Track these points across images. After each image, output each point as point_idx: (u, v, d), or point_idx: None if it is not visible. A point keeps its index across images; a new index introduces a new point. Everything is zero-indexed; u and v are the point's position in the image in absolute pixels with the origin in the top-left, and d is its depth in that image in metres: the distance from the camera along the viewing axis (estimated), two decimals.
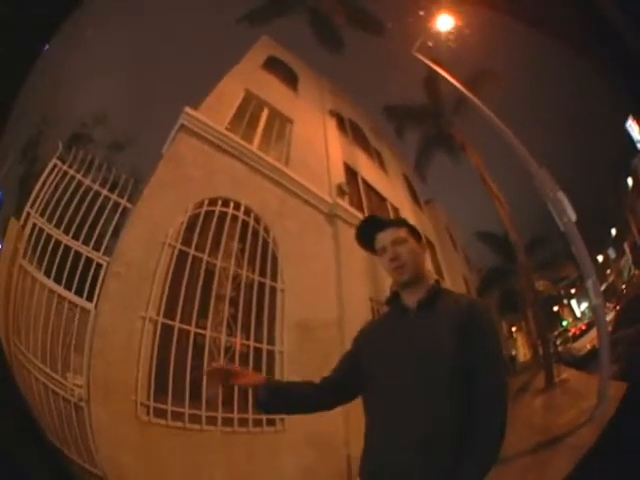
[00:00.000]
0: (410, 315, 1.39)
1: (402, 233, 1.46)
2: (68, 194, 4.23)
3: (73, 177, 4.30)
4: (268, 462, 3.80)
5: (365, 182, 7.88)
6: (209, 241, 4.53)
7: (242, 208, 4.99)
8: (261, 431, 3.89)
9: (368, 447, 1.39)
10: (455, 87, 6.23)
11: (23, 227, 3.89)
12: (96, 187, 4.37)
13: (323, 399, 1.56)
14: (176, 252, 4.23)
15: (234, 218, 4.88)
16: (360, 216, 6.52)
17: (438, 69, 6.43)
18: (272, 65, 7.90)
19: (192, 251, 4.37)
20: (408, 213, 9.23)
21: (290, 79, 8.27)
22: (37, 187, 4.14)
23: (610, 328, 5.20)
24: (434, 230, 11.32)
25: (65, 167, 4.28)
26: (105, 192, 4.37)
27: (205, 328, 4.09)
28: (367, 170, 8.41)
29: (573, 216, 4.37)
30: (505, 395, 1.26)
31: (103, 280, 3.87)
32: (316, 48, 7.24)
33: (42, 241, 3.99)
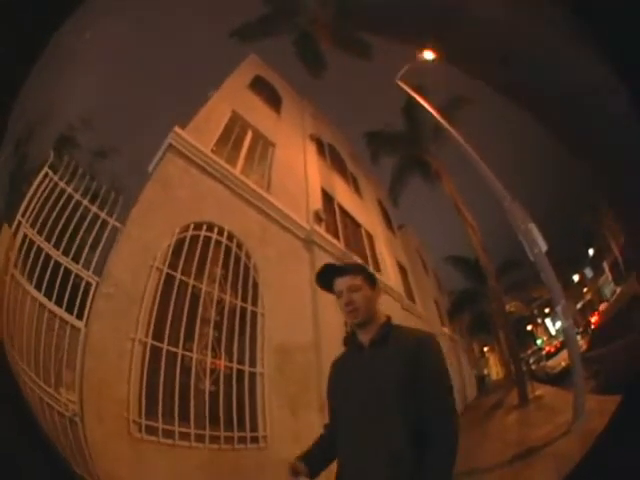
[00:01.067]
0: (364, 352, 1.63)
1: (357, 281, 1.71)
2: (58, 208, 4.60)
3: (63, 190, 4.66)
4: (252, 478, 4.40)
5: (341, 208, 8.71)
6: (194, 266, 5.05)
7: (225, 233, 5.58)
8: (245, 448, 4.49)
9: (338, 474, 1.56)
10: (433, 116, 7.23)
11: (15, 235, 4.20)
12: (85, 202, 4.73)
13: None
14: (163, 276, 4.71)
15: (218, 243, 5.47)
16: (336, 243, 7.41)
17: (419, 98, 7.42)
18: (258, 85, 8.58)
19: (179, 275, 4.86)
20: (381, 238, 10.22)
21: (274, 101, 8.99)
22: (28, 195, 4.47)
23: (585, 346, 6.16)
24: (406, 254, 12.42)
25: (56, 178, 4.66)
26: (94, 209, 4.72)
27: (192, 350, 4.61)
28: (343, 196, 9.23)
29: (544, 247, 5.05)
30: (454, 418, 1.43)
31: (93, 300, 4.30)
32: (300, 70, 8.04)
33: (32, 253, 4.27)
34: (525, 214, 5.31)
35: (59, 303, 4.23)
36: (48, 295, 4.23)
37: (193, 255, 5.15)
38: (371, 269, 1.97)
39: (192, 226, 5.30)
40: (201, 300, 5.04)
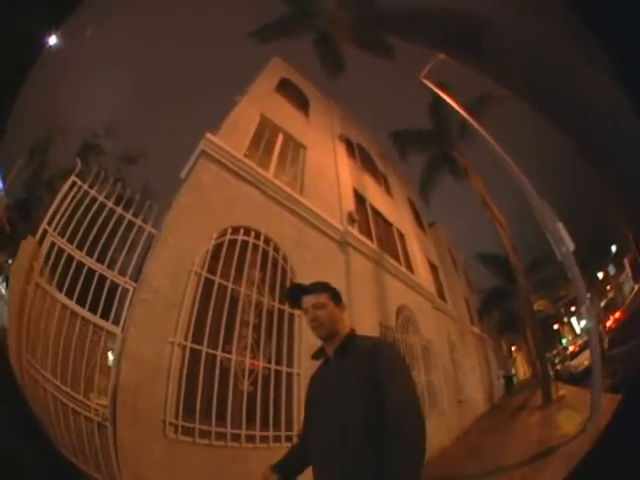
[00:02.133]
0: (330, 364, 1.67)
1: (322, 299, 1.70)
2: (90, 215, 4.41)
3: (95, 198, 4.47)
4: None
5: (373, 208, 8.43)
6: (233, 270, 4.91)
7: (262, 237, 5.43)
8: (280, 446, 4.42)
9: (315, 468, 1.62)
10: (459, 113, 6.89)
11: (40, 244, 4.02)
12: (119, 210, 4.50)
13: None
14: (202, 280, 4.57)
15: (255, 247, 5.31)
16: (369, 244, 7.08)
17: (444, 95, 7.08)
18: (285, 88, 8.43)
19: (217, 279, 4.72)
20: (412, 237, 9.82)
21: (302, 103, 8.83)
22: (55, 204, 4.28)
23: (606, 345, 5.80)
24: (437, 252, 11.96)
25: (85, 186, 4.44)
26: (129, 216, 4.52)
27: (231, 352, 4.46)
28: (374, 196, 8.96)
29: (571, 246, 4.85)
30: (416, 414, 1.41)
31: (130, 306, 4.11)
32: (323, 71, 7.83)
33: (63, 262, 4.10)
34: (553, 213, 5.13)
35: (93, 310, 4.04)
36: (81, 302, 4.04)
37: (231, 259, 4.99)
38: (335, 288, 1.81)
39: (229, 231, 5.17)
40: (240, 303, 4.89)
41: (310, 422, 1.71)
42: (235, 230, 5.21)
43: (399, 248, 9.01)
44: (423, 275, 9.72)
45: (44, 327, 3.68)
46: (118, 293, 4.22)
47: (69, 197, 4.35)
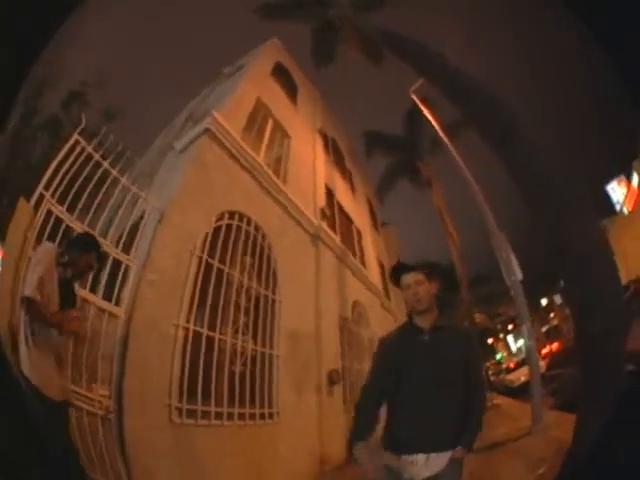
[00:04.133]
0: (425, 335, 1.82)
1: (421, 277, 1.86)
2: (93, 182, 3.82)
3: (99, 163, 3.80)
4: (268, 448, 4.50)
5: (339, 204, 8.72)
6: (229, 254, 4.92)
7: (253, 224, 5.48)
8: (264, 423, 4.65)
9: (396, 426, 1.81)
10: (434, 129, 7.23)
11: (35, 210, 3.24)
12: (124, 181, 4.00)
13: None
14: (203, 263, 4.51)
15: (247, 233, 5.36)
16: (336, 239, 7.40)
17: (426, 111, 7.42)
18: (279, 72, 8.16)
19: (216, 263, 4.69)
20: (368, 235, 10.28)
21: (291, 89, 8.71)
22: (54, 165, 3.49)
23: (544, 367, 6.47)
24: (386, 252, 12.47)
25: (90, 149, 3.72)
26: (135, 189, 4.13)
27: (226, 334, 4.54)
28: (341, 192, 9.28)
29: (519, 276, 5.36)
30: (485, 387, 2.08)
31: (137, 287, 3.77)
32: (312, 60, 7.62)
33: (60, 234, 3.37)
34: (507, 245, 5.63)
35: (94, 290, 3.53)
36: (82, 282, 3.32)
37: (227, 244, 4.96)
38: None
39: (226, 215, 5.14)
40: (234, 287, 4.91)
41: (399, 379, 1.82)
42: (231, 215, 5.19)
43: (356, 245, 9.40)
44: (374, 273, 10.16)
45: None
46: (121, 272, 3.78)
47: (71, 158, 3.61)
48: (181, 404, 3.78)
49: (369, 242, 10.48)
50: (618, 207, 15.19)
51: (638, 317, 4.55)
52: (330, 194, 8.49)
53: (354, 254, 8.60)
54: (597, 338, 2.83)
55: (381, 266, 11.22)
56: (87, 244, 2.28)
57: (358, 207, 10.93)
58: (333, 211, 8.29)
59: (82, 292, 3.39)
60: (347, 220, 9.32)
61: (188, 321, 4.12)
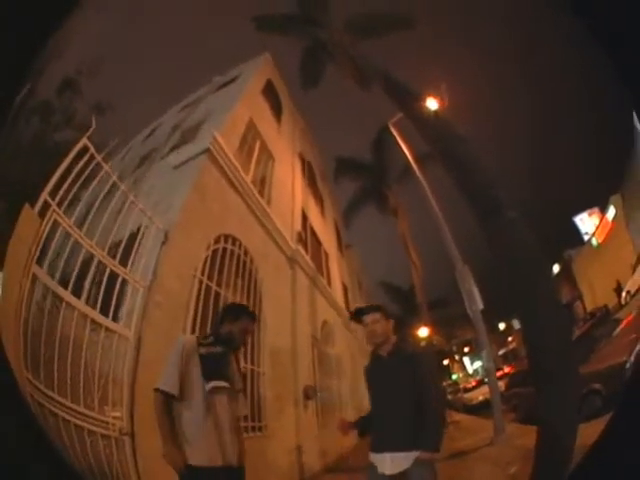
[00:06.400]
0: (384, 361, 2.14)
1: (377, 316, 2.15)
2: (103, 194, 3.57)
3: (108, 174, 3.54)
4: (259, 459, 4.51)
5: (311, 228, 8.91)
6: (224, 277, 4.97)
7: (243, 248, 5.57)
8: (255, 435, 4.75)
9: (372, 431, 2.12)
10: (405, 160, 7.33)
11: (42, 222, 2.93)
12: (132, 198, 3.82)
13: None
14: (203, 286, 4.52)
15: (238, 257, 5.47)
16: (310, 263, 7.59)
17: (403, 146, 7.67)
18: (268, 91, 8.24)
19: (214, 286, 4.69)
20: (333, 257, 10.43)
21: (277, 110, 8.76)
22: (61, 168, 3.18)
23: (503, 387, 6.80)
24: (348, 274, 12.54)
25: (99, 158, 3.47)
26: (140, 206, 3.93)
27: None
28: (314, 216, 9.58)
29: (480, 305, 5.73)
30: (442, 400, 2.42)
31: (145, 308, 3.64)
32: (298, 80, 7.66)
33: (68, 249, 3.15)
34: (471, 277, 6.00)
35: (104, 311, 3.34)
36: (92, 303, 3.29)
37: (223, 267, 5.02)
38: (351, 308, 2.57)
39: (222, 238, 5.19)
40: None
41: (371, 398, 2.20)
42: (226, 238, 5.24)
43: (324, 267, 9.61)
44: (339, 294, 10.38)
45: (47, 335, 2.89)
46: (129, 293, 3.65)
47: (80, 164, 3.36)
48: None
49: (335, 264, 10.76)
50: (586, 237, 16.39)
51: (605, 340, 5.40)
52: (305, 217, 8.67)
53: (322, 276, 8.83)
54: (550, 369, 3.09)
55: (344, 287, 11.63)
56: (239, 312, 2.18)
57: (327, 230, 11.18)
58: (306, 235, 8.46)
59: (89, 311, 3.24)
60: (317, 243, 9.57)
61: None
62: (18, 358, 2.53)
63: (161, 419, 1.87)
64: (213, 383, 1.91)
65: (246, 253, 5.58)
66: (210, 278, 4.63)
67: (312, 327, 7.10)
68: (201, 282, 4.45)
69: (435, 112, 5.39)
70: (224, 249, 5.06)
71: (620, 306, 9.81)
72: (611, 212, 14.47)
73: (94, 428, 2.96)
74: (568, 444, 2.47)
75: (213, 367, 1.95)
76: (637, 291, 9.18)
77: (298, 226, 7.76)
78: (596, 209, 17.08)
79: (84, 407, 2.95)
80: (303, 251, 7.41)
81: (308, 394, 6.06)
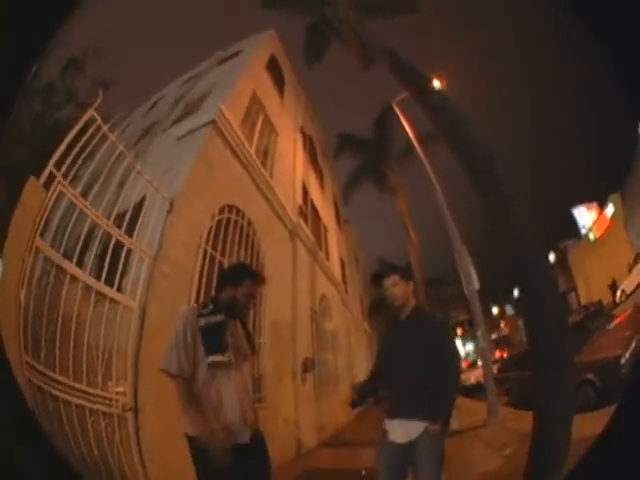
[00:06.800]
0: (401, 323, 2.09)
1: (397, 278, 2.10)
2: (109, 164, 3.48)
3: (115, 145, 3.44)
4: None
5: (311, 202, 8.80)
6: (228, 247, 4.97)
7: (246, 219, 5.51)
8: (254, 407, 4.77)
9: (387, 396, 2.08)
10: (412, 143, 7.25)
11: (47, 193, 2.82)
12: (138, 167, 3.71)
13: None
14: (208, 255, 4.53)
15: (242, 227, 5.45)
16: (310, 236, 7.57)
17: (406, 125, 7.55)
18: (272, 66, 7.97)
19: (218, 256, 4.68)
20: (332, 233, 10.43)
21: (280, 85, 8.54)
22: (66, 141, 3.05)
23: (496, 370, 6.77)
24: (346, 249, 12.50)
25: (106, 128, 3.34)
26: (147, 177, 3.82)
27: None
28: (314, 190, 9.45)
29: (477, 286, 5.80)
30: (458, 365, 2.02)
31: (150, 279, 3.59)
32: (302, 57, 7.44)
33: (73, 220, 3.03)
34: (469, 257, 6.05)
35: (109, 282, 3.26)
36: (96, 274, 3.22)
37: (227, 237, 5.00)
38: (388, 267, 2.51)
39: (226, 209, 5.17)
40: None
41: (386, 362, 2.15)
42: (230, 209, 5.22)
43: (323, 242, 9.59)
44: (336, 269, 10.34)
45: (49, 311, 2.78)
46: (135, 261, 3.57)
47: (87, 134, 3.28)
48: None
49: (333, 239, 10.77)
50: (583, 231, 16.39)
51: (598, 332, 5.59)
52: (305, 191, 8.63)
53: (321, 250, 8.85)
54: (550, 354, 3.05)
55: (342, 262, 11.66)
56: (242, 275, 1.97)
57: (326, 205, 11.14)
58: (307, 209, 8.44)
59: (94, 283, 3.16)
60: (317, 217, 9.55)
61: None
62: (17, 341, 2.45)
63: (181, 400, 1.75)
64: (213, 357, 1.79)
65: (249, 224, 5.57)
66: (214, 248, 4.63)
67: (311, 300, 7.20)
68: (206, 252, 4.45)
69: (440, 91, 5.29)
70: (228, 219, 5.05)
71: (615, 304, 9.89)
72: (610, 210, 14.38)
73: (96, 406, 2.91)
74: (565, 430, 2.49)
75: (213, 340, 1.81)
76: (633, 291, 9.26)
77: (299, 200, 7.74)
78: (594, 204, 16.95)
79: (86, 385, 2.89)
80: (304, 225, 7.40)
81: (306, 367, 6.12)
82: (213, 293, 2.06)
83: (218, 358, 1.79)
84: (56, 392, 2.64)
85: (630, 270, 10.32)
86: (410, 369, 1.99)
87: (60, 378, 2.71)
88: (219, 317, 1.84)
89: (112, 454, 2.89)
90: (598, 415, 2.93)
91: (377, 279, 2.18)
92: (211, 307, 1.87)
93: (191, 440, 1.76)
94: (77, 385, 2.82)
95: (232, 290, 1.90)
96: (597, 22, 1.13)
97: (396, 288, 2.09)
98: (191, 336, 1.79)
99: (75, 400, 2.75)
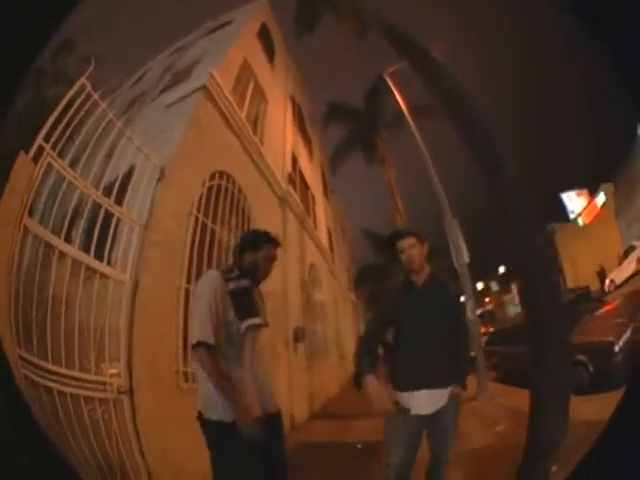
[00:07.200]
0: (417, 289, 2.02)
1: (413, 240, 2.03)
2: (98, 134, 3.32)
3: (105, 113, 3.28)
4: None
5: (300, 170, 8.70)
6: (219, 215, 4.95)
7: (237, 185, 5.44)
8: None
9: (400, 367, 2.01)
10: (403, 113, 7.14)
11: (35, 165, 2.66)
12: (128, 133, 3.56)
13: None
14: (199, 223, 4.47)
15: (232, 194, 5.39)
16: (299, 204, 7.56)
17: (398, 97, 7.42)
18: (262, 34, 7.59)
19: (210, 223, 4.68)
20: (320, 202, 10.38)
21: (270, 54, 8.35)
22: (56, 113, 2.86)
23: (483, 342, 6.85)
24: (332, 219, 12.47)
25: (97, 96, 3.17)
26: (137, 143, 3.69)
27: None
28: (303, 158, 9.35)
29: (467, 259, 5.90)
30: (470, 330, 2.46)
31: (141, 249, 3.46)
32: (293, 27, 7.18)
33: (61, 193, 2.87)
34: (459, 231, 6.15)
35: (99, 256, 3.13)
36: (85, 247, 3.07)
37: (218, 204, 4.96)
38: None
39: (217, 175, 5.08)
40: (223, 247, 4.95)
41: (400, 323, 2.06)
42: (220, 175, 5.15)
43: (311, 210, 9.56)
44: (324, 238, 10.29)
45: (39, 292, 2.65)
46: (124, 232, 3.43)
47: (77, 103, 3.11)
48: (186, 367, 3.64)
49: (321, 208, 10.74)
50: (572, 216, 16.25)
51: (588, 315, 5.65)
52: (295, 160, 8.54)
53: (310, 217, 8.86)
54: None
55: (329, 232, 11.63)
56: (260, 240, 1.94)
57: (314, 174, 11.04)
58: (296, 177, 8.35)
59: (84, 257, 3.01)
60: (305, 186, 9.48)
61: (189, 282, 4.01)
62: (9, 334, 2.35)
63: (216, 374, 1.59)
64: (249, 321, 1.72)
65: (240, 191, 5.53)
66: (206, 215, 4.58)
67: (301, 269, 7.30)
68: (197, 219, 4.38)
69: (441, 64, 5.20)
70: (219, 186, 4.99)
71: (603, 291, 9.98)
72: (601, 198, 14.34)
73: (91, 393, 2.82)
74: (564, 406, 2.43)
75: (245, 303, 1.75)
76: (623, 282, 9.31)
77: (289, 167, 7.67)
78: (585, 191, 16.93)
79: (80, 370, 2.80)
80: (293, 192, 7.38)
81: (297, 336, 6.15)
82: (233, 260, 1.99)
83: (256, 321, 1.75)
84: (50, 384, 2.57)
85: (620, 262, 10.28)
86: (433, 336, 1.94)
87: (53, 367, 2.63)
88: (245, 282, 1.80)
89: (111, 445, 2.81)
90: (594, 399, 2.91)
91: (393, 240, 2.11)
92: (237, 272, 1.82)
93: (212, 422, 1.62)
94: (70, 372, 2.74)
95: (253, 255, 1.88)
96: (597, 22, 1.13)
97: (413, 249, 2.02)
98: (221, 301, 1.71)
99: (69, 390, 2.68)
